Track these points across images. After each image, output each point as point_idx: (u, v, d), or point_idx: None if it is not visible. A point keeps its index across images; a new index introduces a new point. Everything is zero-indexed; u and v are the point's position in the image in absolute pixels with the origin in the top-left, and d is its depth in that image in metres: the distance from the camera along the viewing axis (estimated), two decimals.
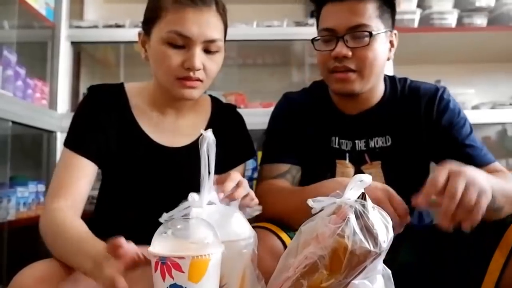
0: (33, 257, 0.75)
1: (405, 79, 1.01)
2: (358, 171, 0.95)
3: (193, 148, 0.88)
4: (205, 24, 0.82)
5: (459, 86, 2.01)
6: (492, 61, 2.16)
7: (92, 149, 0.84)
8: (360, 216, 0.53)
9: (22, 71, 1.45)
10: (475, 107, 1.96)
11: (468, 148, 0.90)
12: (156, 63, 0.85)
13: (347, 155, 0.96)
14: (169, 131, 0.91)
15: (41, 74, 1.65)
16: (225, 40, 0.89)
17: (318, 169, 0.96)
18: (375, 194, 0.70)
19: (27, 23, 1.59)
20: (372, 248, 0.51)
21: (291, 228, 0.81)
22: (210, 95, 1.02)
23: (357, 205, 0.54)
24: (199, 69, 0.82)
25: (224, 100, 1.92)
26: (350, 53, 0.87)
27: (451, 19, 1.92)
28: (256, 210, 0.71)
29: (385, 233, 0.53)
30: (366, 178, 0.56)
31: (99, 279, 0.59)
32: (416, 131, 0.94)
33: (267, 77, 2.09)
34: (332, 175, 0.95)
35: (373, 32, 0.87)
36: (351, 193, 0.56)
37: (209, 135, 0.61)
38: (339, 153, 0.96)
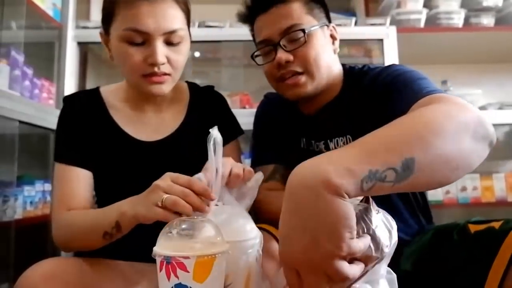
0: (40, 256, 0.75)
1: (363, 67, 0.93)
2: None
3: (173, 139, 0.90)
4: (161, 16, 0.78)
5: (466, 87, 1.99)
6: (499, 61, 2.15)
7: (82, 158, 0.85)
8: (362, 220, 0.51)
9: (30, 71, 1.46)
10: (482, 108, 1.95)
11: (411, 85, 0.74)
12: (120, 62, 0.83)
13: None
14: (150, 126, 0.90)
15: (48, 74, 1.66)
16: (189, 28, 0.87)
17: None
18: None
19: (34, 24, 1.60)
20: (373, 253, 0.50)
21: None
22: (187, 81, 1.00)
23: (359, 209, 0.52)
24: (163, 63, 0.80)
25: (229, 101, 1.94)
26: (291, 57, 0.86)
27: (458, 19, 1.91)
28: (258, 178, 0.67)
29: (388, 238, 0.52)
30: None
31: (145, 209, 0.63)
32: (375, 123, 0.86)
33: None
34: None
35: (306, 29, 0.86)
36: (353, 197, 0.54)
37: (216, 134, 0.61)
38: (309, 155, 0.92)
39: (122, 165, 0.87)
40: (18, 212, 1.38)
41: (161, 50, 0.79)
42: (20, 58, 1.40)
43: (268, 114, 1.04)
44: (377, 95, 0.83)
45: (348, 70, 0.95)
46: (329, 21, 0.93)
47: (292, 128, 0.98)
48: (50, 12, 1.63)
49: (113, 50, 0.83)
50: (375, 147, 0.48)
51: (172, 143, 0.89)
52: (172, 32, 0.80)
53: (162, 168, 0.85)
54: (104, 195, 0.88)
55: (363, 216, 0.51)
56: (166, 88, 0.84)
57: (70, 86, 1.69)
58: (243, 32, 1.81)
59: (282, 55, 0.86)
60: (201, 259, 0.49)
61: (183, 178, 0.63)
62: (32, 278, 0.67)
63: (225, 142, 0.92)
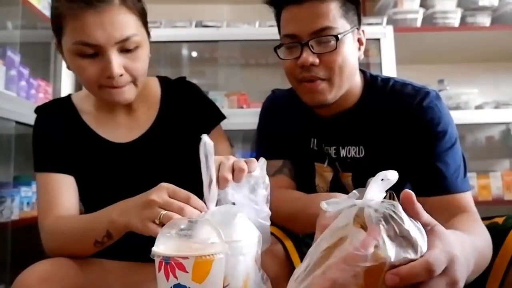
0: (36, 257, 0.75)
1: (388, 80, 0.90)
2: (336, 177, 0.91)
3: (148, 137, 0.89)
4: (110, 25, 0.73)
5: (462, 86, 2.00)
6: (495, 60, 2.16)
7: (62, 164, 0.84)
8: (392, 221, 0.42)
9: (26, 71, 1.46)
10: (478, 107, 1.96)
11: (440, 165, 0.79)
12: (76, 74, 0.80)
13: (327, 158, 0.91)
14: (124, 127, 0.89)
15: (44, 74, 1.66)
16: (147, 29, 0.82)
17: (300, 169, 0.94)
18: None
19: (30, 24, 1.60)
20: (413, 257, 0.42)
21: (294, 232, 0.81)
22: (158, 76, 0.98)
23: (385, 208, 0.43)
24: (121, 75, 0.76)
25: (226, 100, 1.94)
26: (317, 60, 0.80)
27: (454, 19, 1.92)
28: (261, 164, 0.64)
29: (421, 238, 0.43)
30: (391, 175, 0.46)
31: (141, 224, 0.60)
32: (392, 143, 0.85)
33: (269, 77, 2.09)
34: (312, 177, 0.93)
35: (340, 35, 0.79)
36: (374, 193, 0.45)
37: (206, 140, 0.60)
38: (318, 156, 0.93)
39: (101, 169, 0.86)
40: (14, 213, 1.38)
41: (116, 61, 0.74)
42: (16, 58, 1.40)
43: (276, 109, 1.00)
44: (405, 123, 0.84)
45: (369, 79, 0.91)
46: (359, 24, 0.88)
47: (302, 127, 0.95)
48: (46, 12, 1.62)
49: (68, 62, 0.80)
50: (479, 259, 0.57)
51: (147, 141, 0.88)
52: (125, 40, 0.75)
53: (140, 167, 0.86)
54: (88, 199, 0.88)
55: (392, 215, 0.43)
56: (130, 95, 0.80)
57: (66, 86, 1.69)
58: (240, 32, 1.83)
59: (309, 57, 0.80)
60: (200, 259, 0.49)
61: (182, 193, 0.61)
62: (29, 280, 0.66)
63: (209, 130, 0.91)
